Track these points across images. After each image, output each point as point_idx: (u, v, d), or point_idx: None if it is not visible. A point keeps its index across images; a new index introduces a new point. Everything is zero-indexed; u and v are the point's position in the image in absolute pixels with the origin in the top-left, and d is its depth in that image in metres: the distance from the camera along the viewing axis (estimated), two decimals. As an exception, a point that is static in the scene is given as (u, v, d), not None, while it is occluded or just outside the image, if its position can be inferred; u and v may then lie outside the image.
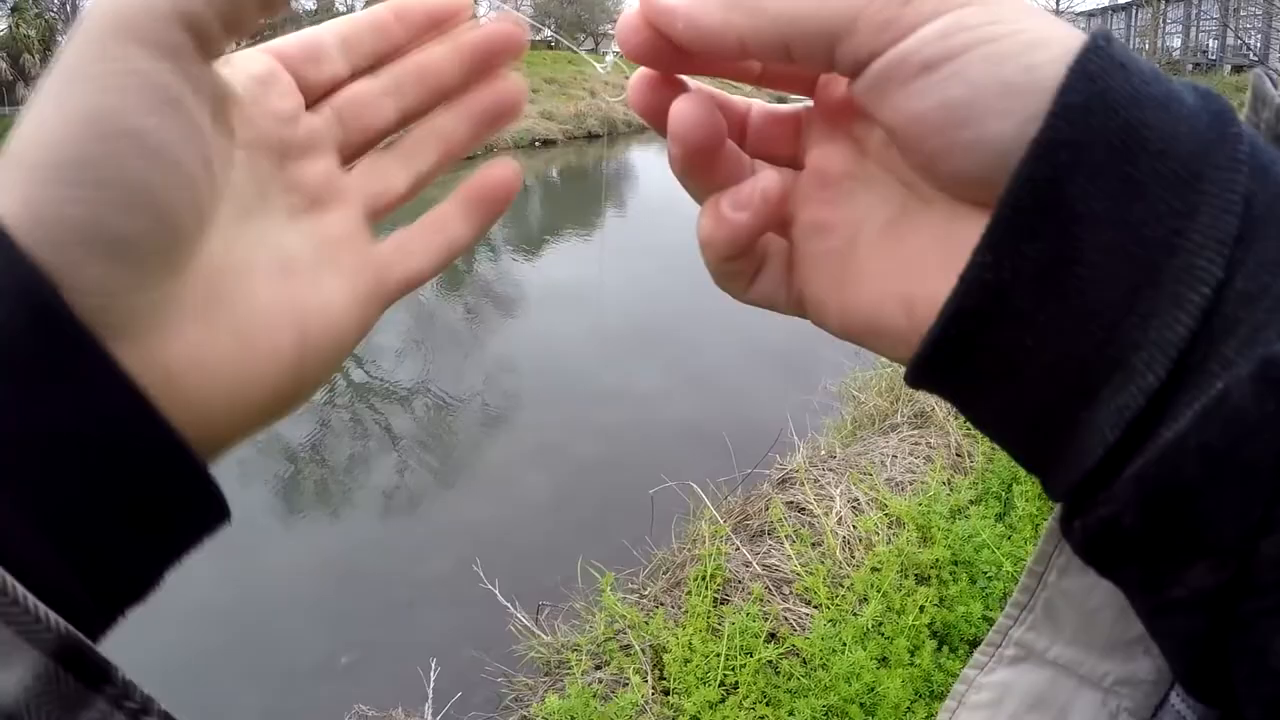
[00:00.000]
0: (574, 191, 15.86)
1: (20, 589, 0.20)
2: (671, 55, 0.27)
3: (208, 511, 0.27)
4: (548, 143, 18.32)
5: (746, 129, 0.31)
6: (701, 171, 0.29)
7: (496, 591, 3.16)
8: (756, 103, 0.31)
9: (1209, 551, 0.19)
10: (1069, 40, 0.21)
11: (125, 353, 0.22)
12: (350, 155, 0.32)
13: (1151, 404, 0.20)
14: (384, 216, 0.34)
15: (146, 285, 0.23)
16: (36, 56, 14.77)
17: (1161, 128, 0.20)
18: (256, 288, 0.26)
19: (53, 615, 0.20)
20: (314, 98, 0.30)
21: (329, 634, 3.78)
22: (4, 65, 14.14)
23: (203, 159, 0.24)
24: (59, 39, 15.84)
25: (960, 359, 0.23)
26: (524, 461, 5.33)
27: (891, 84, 0.23)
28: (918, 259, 0.25)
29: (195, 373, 0.24)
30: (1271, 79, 0.24)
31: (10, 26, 14.71)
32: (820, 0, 0.23)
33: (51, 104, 0.22)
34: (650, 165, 18.13)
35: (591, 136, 19.95)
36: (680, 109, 0.27)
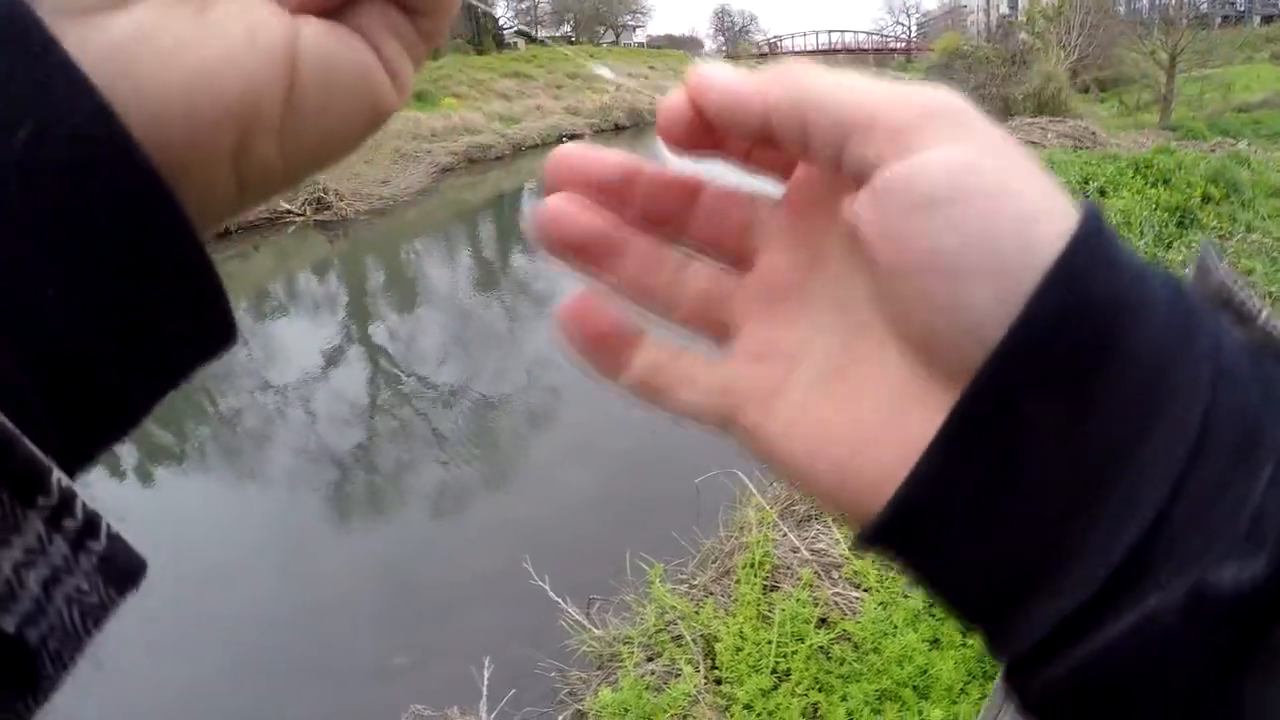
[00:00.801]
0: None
1: None
2: (695, 132, 0.27)
3: (201, 298, 0.22)
4: (574, 137, 18.36)
5: (695, 206, 0.28)
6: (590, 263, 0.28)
7: (547, 587, 3.18)
8: (713, 181, 0.29)
9: None
10: (1065, 221, 0.21)
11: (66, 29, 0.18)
12: None
13: (1084, 611, 0.20)
14: None
15: None
16: None
17: (1130, 341, 0.20)
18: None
19: None
20: None
21: (382, 635, 3.84)
22: None
23: None
24: None
25: (906, 542, 0.23)
26: (569, 456, 5.36)
27: (889, 206, 0.22)
28: (861, 422, 0.24)
29: (147, 53, 0.20)
30: (1215, 252, 0.24)
31: None
32: (851, 89, 0.22)
33: None
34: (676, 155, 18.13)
35: (618, 128, 19.95)
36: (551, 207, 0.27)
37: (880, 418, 0.24)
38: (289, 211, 12.51)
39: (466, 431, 5.98)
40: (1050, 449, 0.20)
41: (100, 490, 5.52)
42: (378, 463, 5.74)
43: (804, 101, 0.23)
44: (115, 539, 0.22)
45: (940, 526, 0.22)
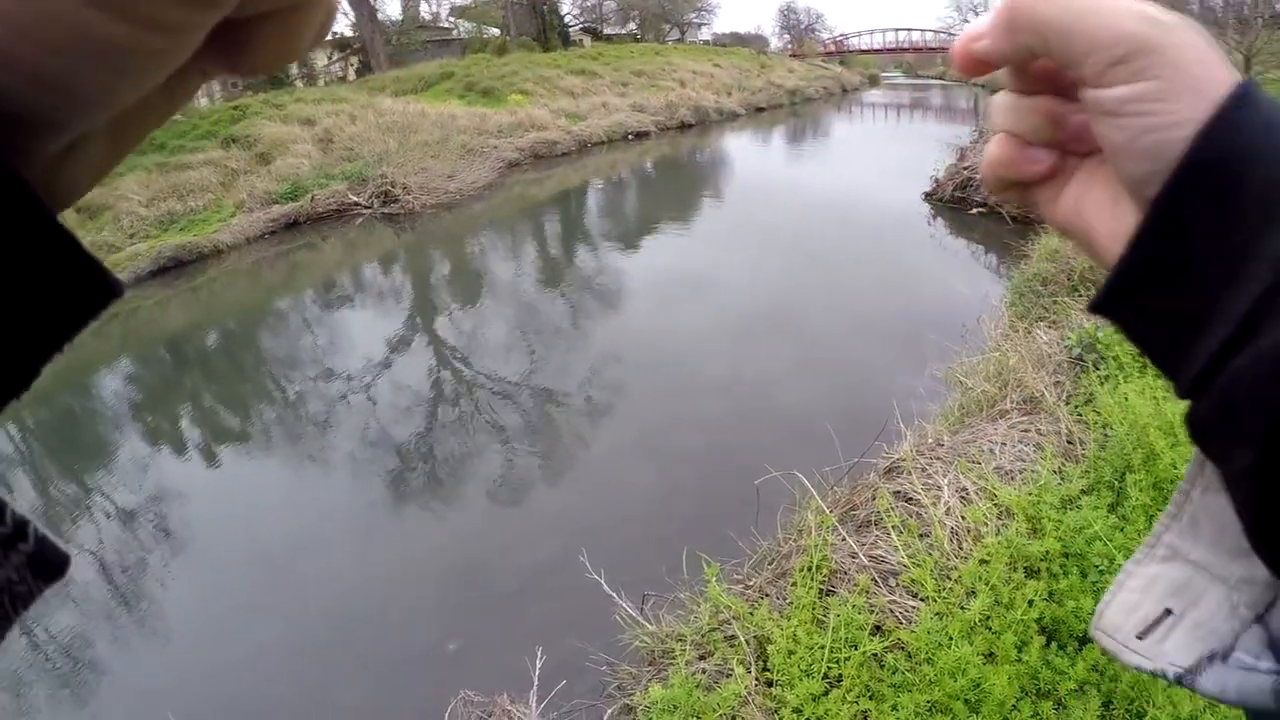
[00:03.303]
0: (669, 181, 15.85)
1: None
2: (976, 66, 0.41)
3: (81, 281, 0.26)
4: (640, 135, 18.36)
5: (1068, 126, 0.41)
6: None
7: (602, 581, 3.19)
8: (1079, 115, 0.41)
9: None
10: (1201, 117, 0.33)
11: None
12: None
13: (1225, 348, 0.32)
14: None
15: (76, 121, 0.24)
16: None
17: (1258, 169, 0.32)
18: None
19: None
20: None
21: (437, 620, 3.90)
22: None
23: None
24: None
25: (1116, 302, 0.37)
26: (629, 452, 5.37)
27: (1094, 108, 0.36)
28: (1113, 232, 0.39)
29: (81, 176, 0.28)
30: None
31: None
32: (1078, 26, 0.35)
33: None
34: (745, 151, 17.94)
35: (684, 126, 19.88)
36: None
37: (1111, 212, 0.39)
38: (357, 204, 12.78)
39: (527, 424, 6.04)
40: (1204, 237, 0.33)
41: (171, 474, 5.73)
42: (438, 452, 5.83)
43: (1050, 27, 0.36)
44: (42, 540, 0.27)
45: (1139, 286, 0.35)
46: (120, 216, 11.36)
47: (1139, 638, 0.40)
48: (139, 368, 8.13)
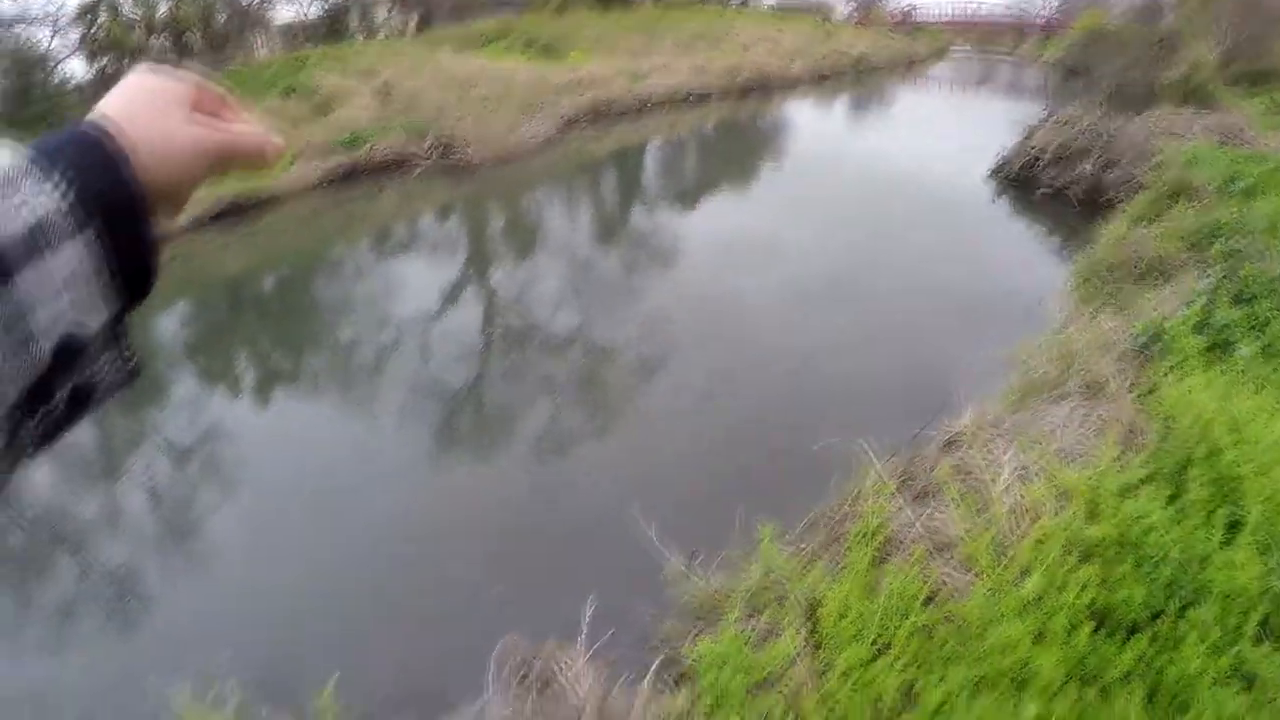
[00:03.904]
0: (730, 145, 15.66)
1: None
2: None
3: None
4: (701, 97, 18.11)
5: None
6: None
7: (653, 534, 3.21)
8: None
9: None
10: None
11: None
12: None
13: None
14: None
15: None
16: (198, 33, 15.75)
17: None
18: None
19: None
20: None
21: (484, 565, 3.97)
22: (168, 44, 15.11)
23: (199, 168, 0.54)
24: (218, 16, 16.79)
25: None
26: (681, 411, 5.38)
27: None
28: None
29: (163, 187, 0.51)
30: None
31: (171, 6, 15.71)
32: None
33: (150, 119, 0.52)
34: (807, 119, 17.66)
35: (745, 91, 19.57)
36: None
37: None
38: (415, 155, 12.82)
39: (578, 378, 6.08)
40: None
41: (229, 414, 5.88)
42: (488, 400, 5.90)
43: None
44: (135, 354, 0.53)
45: None
46: None
47: None
48: (196, 309, 8.32)
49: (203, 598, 3.97)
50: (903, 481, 3.32)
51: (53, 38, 14.34)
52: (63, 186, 0.43)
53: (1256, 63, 15.49)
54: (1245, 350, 4.25)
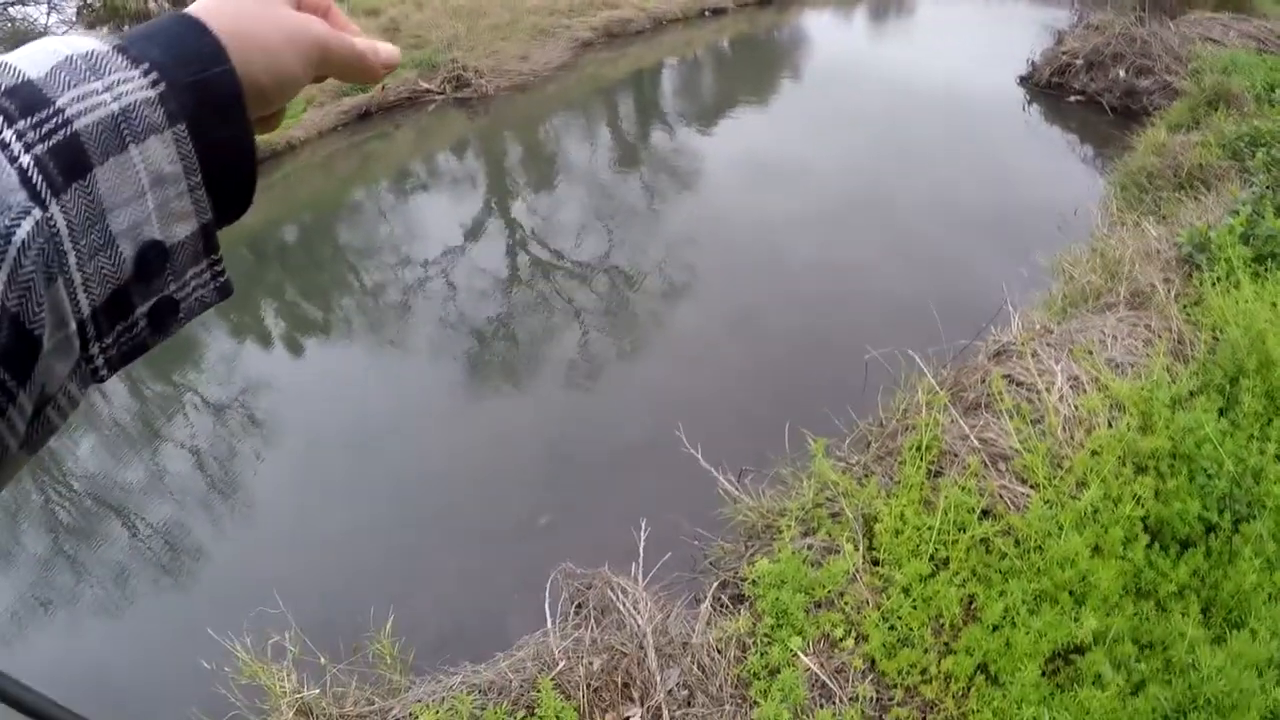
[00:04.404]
0: (747, 60, 15.22)
1: None
2: None
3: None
4: (718, 11, 17.54)
5: None
6: None
7: (699, 456, 3.19)
8: None
9: None
10: None
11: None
12: None
13: None
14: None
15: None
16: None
17: None
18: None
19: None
20: None
21: (531, 497, 3.99)
22: (168, 4, 14.83)
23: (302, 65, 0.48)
24: None
25: None
26: (718, 331, 5.33)
27: None
28: None
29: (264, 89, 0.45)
30: None
31: None
32: None
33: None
34: (827, 30, 17.12)
35: (763, 1, 18.94)
36: None
37: None
38: (429, 90, 12.59)
39: (608, 305, 6.02)
40: None
41: (264, 363, 5.90)
42: (520, 333, 5.87)
43: None
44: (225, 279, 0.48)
45: None
46: None
47: None
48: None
49: (253, 550, 4.04)
50: (954, 394, 3.27)
51: (49, 14, 14.13)
52: (153, 74, 0.38)
53: None
54: None
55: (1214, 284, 4.08)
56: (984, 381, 3.22)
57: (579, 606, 2.82)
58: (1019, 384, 3.22)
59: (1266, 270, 4.16)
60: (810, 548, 2.69)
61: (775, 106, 11.67)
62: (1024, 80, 10.87)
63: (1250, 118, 6.56)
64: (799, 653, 2.39)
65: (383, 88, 12.27)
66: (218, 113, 0.40)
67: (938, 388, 3.19)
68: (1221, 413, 3.24)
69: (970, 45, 13.70)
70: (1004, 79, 10.98)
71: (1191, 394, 3.34)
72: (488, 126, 11.59)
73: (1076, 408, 3.07)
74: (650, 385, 4.89)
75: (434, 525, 3.97)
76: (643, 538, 2.84)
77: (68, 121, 0.35)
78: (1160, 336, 3.80)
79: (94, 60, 0.37)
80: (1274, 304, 3.79)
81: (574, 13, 15.39)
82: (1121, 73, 9.63)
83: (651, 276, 6.31)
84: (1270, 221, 4.37)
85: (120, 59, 0.37)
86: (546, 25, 14.51)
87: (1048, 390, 3.08)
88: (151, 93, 0.37)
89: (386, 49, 0.54)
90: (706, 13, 17.31)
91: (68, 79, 0.35)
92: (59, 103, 0.35)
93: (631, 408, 4.62)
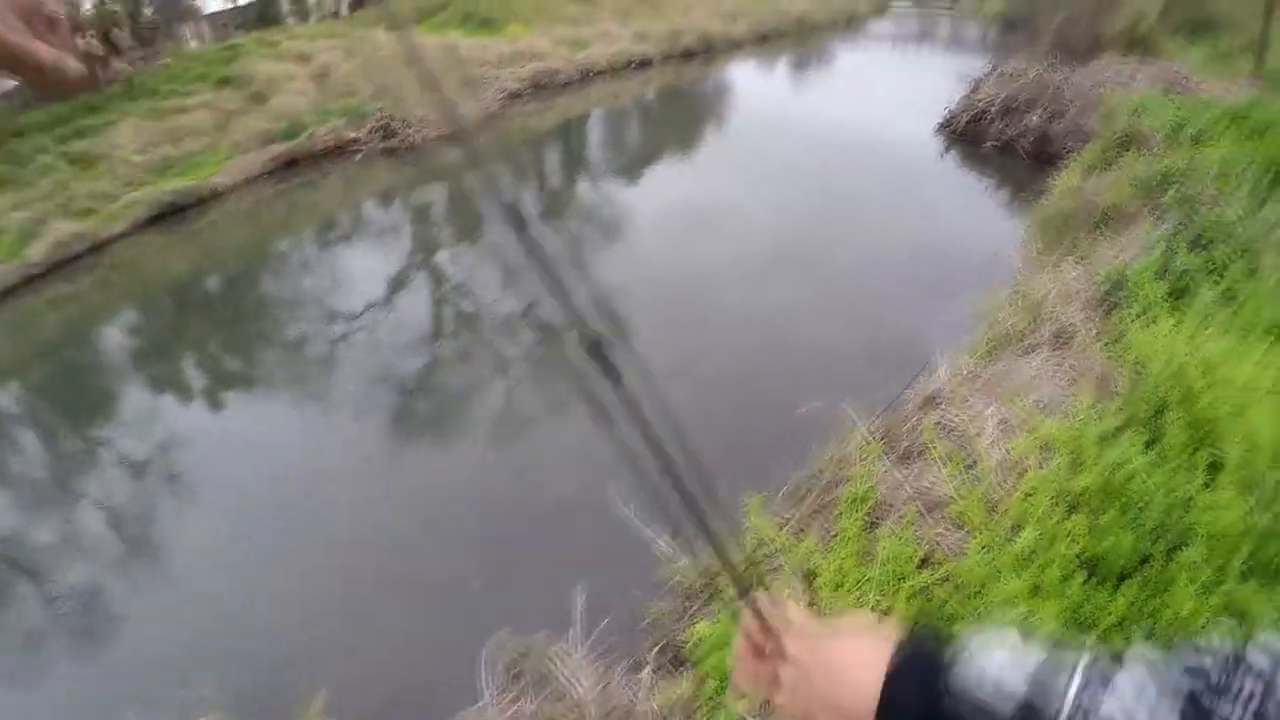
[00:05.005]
0: (674, 111, 15.48)
1: None
2: None
3: None
4: (644, 64, 17.84)
5: None
6: None
7: (632, 515, 3.11)
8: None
9: None
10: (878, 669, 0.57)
11: None
12: None
13: None
14: None
15: None
16: (125, 30, 15.13)
17: None
18: None
19: None
20: None
21: (462, 557, 3.86)
22: (95, 42, 14.51)
23: None
24: (145, 12, 16.10)
25: None
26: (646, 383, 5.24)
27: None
28: None
29: None
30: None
31: (96, 4, 15.00)
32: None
33: None
34: (750, 81, 17.54)
35: (689, 55, 19.34)
36: None
37: None
38: (355, 140, 12.49)
39: (538, 358, 5.93)
40: None
41: (186, 418, 5.65)
42: (446, 388, 5.74)
43: None
44: None
45: None
46: (115, 166, 11.09)
47: None
48: (143, 317, 8.00)
49: (174, 620, 3.80)
50: (887, 443, 3.27)
51: None
52: None
53: (1197, 11, 15.69)
54: (1207, 294, 4.28)
55: (1133, 320, 4.20)
56: (916, 429, 3.23)
57: (516, 676, 2.71)
58: (950, 429, 3.23)
59: (1182, 304, 4.30)
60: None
61: (702, 157, 11.85)
62: (941, 127, 11.26)
63: (1160, 157, 6.83)
64: (746, 717, 2.31)
65: (310, 135, 12.11)
66: None
67: (871, 438, 3.19)
68: (1148, 446, 3.31)
69: (888, 94, 14.19)
70: (922, 127, 11.36)
71: (1118, 430, 3.40)
72: (415, 177, 11.51)
73: (1008, 451, 3.10)
74: (582, 439, 4.78)
75: (364, 588, 3.80)
76: (580, 603, 2.74)
77: None
78: (1084, 375, 3.88)
79: None
80: (1191, 337, 3.91)
81: (503, 64, 15.50)
82: (1035, 118, 10.03)
83: (580, 328, 6.21)
84: (1183, 257, 4.53)
85: None
86: (476, 76, 14.58)
87: (979, 435, 3.10)
88: None
89: (72, 65, 0.61)
90: (633, 65, 17.61)
91: None
92: None
93: (564, 462, 4.51)
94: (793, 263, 7.14)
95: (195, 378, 6.42)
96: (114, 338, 7.53)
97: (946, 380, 3.64)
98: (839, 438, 3.40)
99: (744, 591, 0.67)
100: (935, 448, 3.05)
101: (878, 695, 0.55)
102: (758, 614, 0.64)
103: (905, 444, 3.22)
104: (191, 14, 19.06)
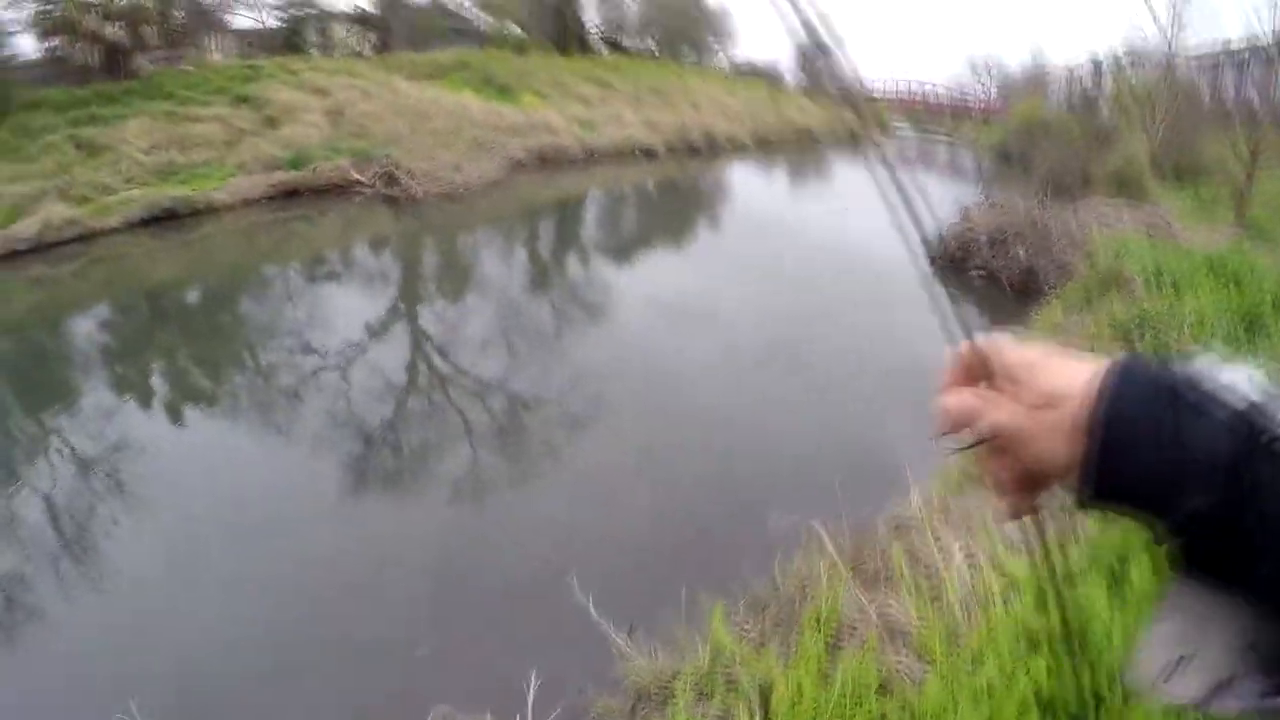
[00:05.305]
0: (674, 203, 15.81)
1: None
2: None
3: None
4: (649, 153, 18.30)
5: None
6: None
7: (590, 606, 3.06)
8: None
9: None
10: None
11: None
12: None
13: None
14: None
15: None
16: (154, 27, 15.27)
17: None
18: None
19: None
20: None
21: (410, 624, 3.73)
22: (123, 34, 14.59)
23: None
24: (176, 13, 16.33)
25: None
26: (621, 471, 5.18)
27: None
28: None
29: None
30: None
31: None
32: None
33: None
34: (748, 184, 17.99)
35: (693, 150, 19.88)
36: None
37: None
38: (359, 182, 12.61)
39: (508, 428, 5.88)
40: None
41: (139, 425, 5.53)
42: (410, 443, 5.66)
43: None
44: None
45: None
46: (120, 160, 11.10)
47: (1164, 681, 0.51)
48: (117, 315, 7.90)
49: (104, 640, 3.64)
50: (855, 564, 3.26)
51: (5, 8, 13.71)
52: None
53: (1185, 158, 16.39)
54: None
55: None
56: (885, 554, 3.23)
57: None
58: (918, 559, 3.24)
59: None
60: (705, 715, 2.56)
61: (694, 249, 12.08)
62: (930, 250, 11.56)
63: (1140, 301, 7.02)
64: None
65: (315, 169, 12.20)
66: None
67: (839, 559, 3.18)
68: (1111, 589, 3.33)
69: (879, 210, 14.58)
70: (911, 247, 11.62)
71: (1082, 571, 3.42)
72: (412, 229, 11.61)
73: (973, 585, 3.10)
74: (544, 518, 4.67)
75: (306, 638, 3.66)
76: (533, 687, 2.66)
77: None
78: (1054, 515, 3.91)
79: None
80: None
81: (514, 132, 15.82)
82: (1022, 252, 10.32)
83: (552, 405, 6.20)
84: None
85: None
86: (486, 140, 14.85)
87: (946, 567, 3.10)
88: None
89: None
90: (639, 152, 18.05)
91: None
92: None
93: (523, 539, 4.40)
94: (773, 361, 7.21)
95: (157, 386, 6.31)
96: (84, 329, 7.41)
97: (919, 508, 3.66)
98: (806, 552, 3.39)
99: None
100: (904, 575, 3.05)
101: (1100, 384, 0.50)
102: (972, 347, 0.59)
103: (873, 567, 3.21)
104: (220, 26, 19.31)
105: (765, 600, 3.24)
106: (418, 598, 3.96)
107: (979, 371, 0.58)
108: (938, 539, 3.34)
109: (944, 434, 0.56)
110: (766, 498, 3.99)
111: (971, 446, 0.56)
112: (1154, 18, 20.65)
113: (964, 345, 0.59)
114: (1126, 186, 13.67)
